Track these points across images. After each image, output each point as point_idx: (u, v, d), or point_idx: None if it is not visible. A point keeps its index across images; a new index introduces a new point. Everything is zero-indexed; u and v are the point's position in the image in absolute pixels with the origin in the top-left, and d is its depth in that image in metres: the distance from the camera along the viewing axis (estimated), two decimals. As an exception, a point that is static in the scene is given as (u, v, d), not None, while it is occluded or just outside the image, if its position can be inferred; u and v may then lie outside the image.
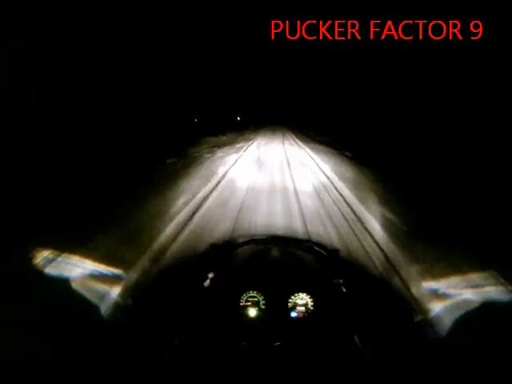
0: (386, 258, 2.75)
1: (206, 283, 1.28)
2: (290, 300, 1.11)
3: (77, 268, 2.42)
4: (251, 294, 1.12)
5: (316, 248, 1.61)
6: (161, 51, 12.57)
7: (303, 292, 1.12)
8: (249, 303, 1.11)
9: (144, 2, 11.03)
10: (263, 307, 1.10)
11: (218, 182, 5.60)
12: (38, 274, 2.34)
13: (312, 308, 1.09)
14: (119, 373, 1.19)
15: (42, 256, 2.56)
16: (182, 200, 4.18)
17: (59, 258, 2.52)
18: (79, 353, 1.53)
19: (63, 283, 2.22)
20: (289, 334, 1.04)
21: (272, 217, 3.79)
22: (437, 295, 2.07)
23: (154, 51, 11.81)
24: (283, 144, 12.30)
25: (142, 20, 11.14)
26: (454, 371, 1.49)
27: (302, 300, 1.10)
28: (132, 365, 1.20)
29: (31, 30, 6.73)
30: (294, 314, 1.09)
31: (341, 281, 1.24)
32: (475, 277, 2.26)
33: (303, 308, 1.09)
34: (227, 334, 1.07)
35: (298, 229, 3.40)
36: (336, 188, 4.95)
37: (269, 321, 1.08)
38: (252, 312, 1.09)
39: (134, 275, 2.46)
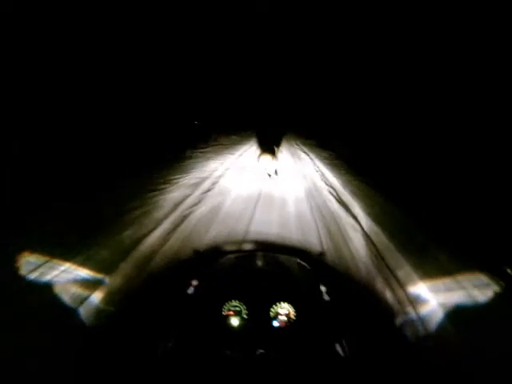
0: (370, 263, 2.82)
1: (190, 290, 1.27)
2: (272, 309, 1.12)
3: (60, 273, 2.37)
4: (233, 303, 1.13)
5: (303, 251, 1.64)
6: (161, 54, 12.53)
7: (285, 302, 1.13)
8: (231, 312, 1.12)
9: (145, 3, 11.03)
10: (245, 316, 1.11)
11: (208, 189, 5.57)
12: (22, 278, 2.27)
13: (294, 317, 1.11)
14: (100, 378, 1.17)
15: (25, 260, 2.49)
16: (169, 206, 4.13)
17: (43, 263, 2.46)
18: (61, 357, 1.50)
19: (46, 288, 2.18)
20: (271, 342, 1.05)
21: (259, 223, 3.80)
22: (418, 300, 2.12)
23: (153, 54, 11.79)
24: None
25: (144, 22, 11.11)
26: (433, 373, 1.53)
27: (283, 310, 1.12)
28: (113, 370, 1.18)
29: (31, 29, 6.62)
30: (276, 324, 1.10)
31: (324, 289, 1.26)
32: (456, 281, 2.34)
33: (285, 317, 1.11)
34: (210, 343, 1.07)
35: (285, 235, 3.42)
36: (322, 194, 5.03)
37: (251, 330, 1.09)
38: (234, 321, 1.10)
39: (117, 281, 2.42)
